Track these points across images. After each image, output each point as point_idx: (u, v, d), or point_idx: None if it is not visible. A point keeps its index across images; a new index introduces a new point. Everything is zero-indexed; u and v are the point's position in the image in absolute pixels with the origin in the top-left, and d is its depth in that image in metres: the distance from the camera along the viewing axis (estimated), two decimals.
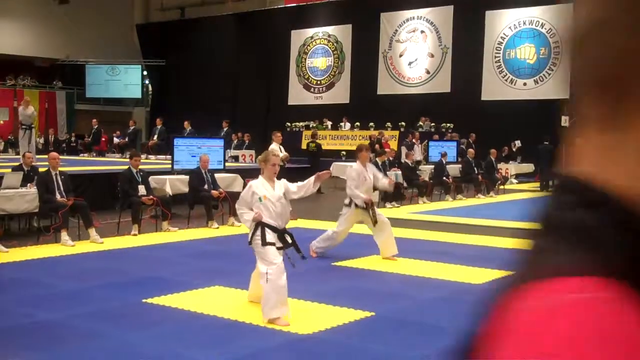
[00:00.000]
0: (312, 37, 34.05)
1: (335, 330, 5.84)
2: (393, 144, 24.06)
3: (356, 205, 9.08)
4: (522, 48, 27.49)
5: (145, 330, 5.83)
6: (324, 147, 26.32)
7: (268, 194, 6.37)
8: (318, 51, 33.82)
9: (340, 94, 32.79)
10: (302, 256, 6.55)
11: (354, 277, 7.97)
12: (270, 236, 6.23)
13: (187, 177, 12.93)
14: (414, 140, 20.32)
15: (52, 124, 33.77)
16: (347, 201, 9.28)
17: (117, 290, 7.26)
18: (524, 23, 27.49)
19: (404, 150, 19.30)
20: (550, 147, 20.84)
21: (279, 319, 5.92)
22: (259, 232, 6.20)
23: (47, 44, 36.43)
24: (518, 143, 24.25)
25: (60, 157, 11.59)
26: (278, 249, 6.23)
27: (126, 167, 11.85)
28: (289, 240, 6.41)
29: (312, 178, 6.70)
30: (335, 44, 33.18)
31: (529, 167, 25.58)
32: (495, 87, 27.88)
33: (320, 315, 6.18)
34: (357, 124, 27.54)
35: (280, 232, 6.34)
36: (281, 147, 15.15)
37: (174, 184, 13.35)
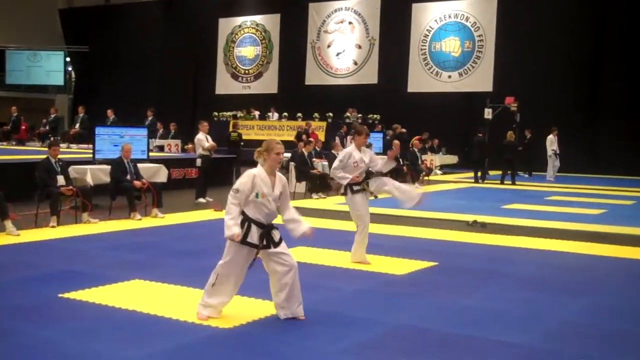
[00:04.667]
0: (240, 26, 33.80)
1: (257, 324, 5.78)
2: (320, 135, 24.10)
3: (352, 191, 8.43)
4: (447, 41, 27.92)
5: (61, 326, 5.64)
6: (251, 138, 26.27)
7: (266, 191, 5.75)
8: (246, 40, 33.61)
9: (268, 83, 32.71)
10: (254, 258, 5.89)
11: None
12: (254, 236, 5.70)
13: (109, 167, 12.64)
14: (352, 131, 20.38)
15: None
16: (342, 190, 8.69)
17: (32, 284, 7.02)
18: (449, 16, 27.90)
19: (337, 140, 19.32)
20: (484, 139, 21.17)
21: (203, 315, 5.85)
22: (244, 229, 5.68)
23: None
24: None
25: None
26: (258, 247, 5.71)
27: (45, 156, 11.49)
28: (276, 238, 5.80)
29: (304, 228, 5.98)
30: (263, 34, 33.02)
31: (452, 159, 26.04)
32: (421, 79, 28.26)
33: (242, 308, 6.10)
34: (285, 114, 27.50)
35: (267, 228, 5.76)
36: (208, 136, 14.95)
37: (96, 174, 13.04)
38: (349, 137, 19.30)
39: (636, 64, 24.12)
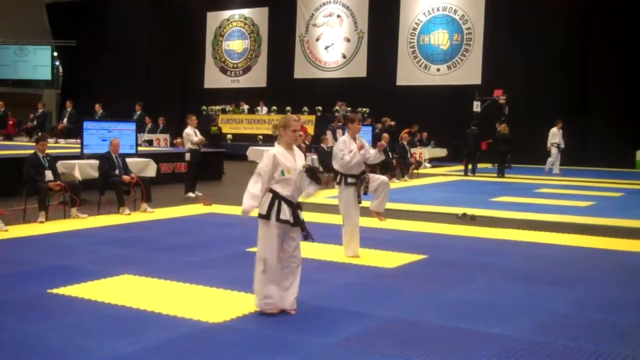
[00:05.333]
0: (228, 20, 33.69)
1: (247, 318, 5.77)
2: (310, 128, 24.08)
3: (346, 182, 8.27)
4: (436, 34, 27.92)
5: (49, 322, 5.62)
6: (240, 132, 26.31)
7: (290, 166, 5.85)
8: (234, 34, 33.51)
9: (257, 77, 32.63)
10: (306, 235, 5.95)
11: None
12: (286, 213, 5.79)
13: (97, 161, 12.59)
14: (340, 124, 20.35)
15: None
16: (337, 180, 8.47)
17: (20, 280, 6.99)
18: (438, 9, 27.89)
19: (329, 134, 19.25)
20: (477, 132, 21.12)
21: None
22: (275, 206, 5.77)
23: None
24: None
25: None
26: (291, 224, 5.82)
27: (33, 151, 11.42)
28: (301, 216, 5.93)
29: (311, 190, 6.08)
30: (251, 27, 32.92)
31: (441, 152, 26.07)
32: (410, 73, 28.25)
33: (231, 302, 6.10)
34: (274, 108, 27.47)
35: (295, 207, 5.88)
36: (196, 130, 14.90)
37: (84, 169, 13.00)
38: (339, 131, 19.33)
39: (625, 56, 24.18)
